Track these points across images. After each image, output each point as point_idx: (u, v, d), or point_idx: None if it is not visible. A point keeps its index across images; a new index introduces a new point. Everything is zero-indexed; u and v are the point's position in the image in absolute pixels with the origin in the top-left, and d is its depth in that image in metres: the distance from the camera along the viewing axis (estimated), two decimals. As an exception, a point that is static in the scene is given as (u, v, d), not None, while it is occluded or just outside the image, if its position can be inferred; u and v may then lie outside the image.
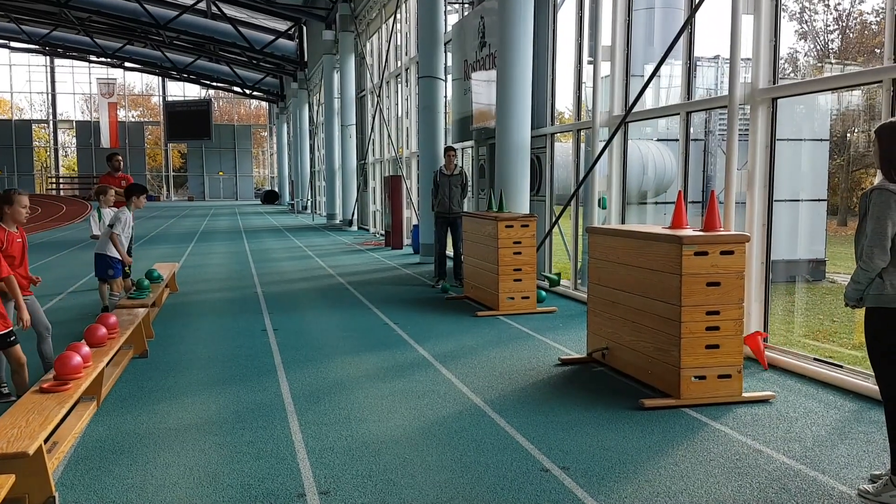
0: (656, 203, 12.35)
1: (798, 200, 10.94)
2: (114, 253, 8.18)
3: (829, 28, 20.92)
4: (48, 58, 53.72)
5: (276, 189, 50.13)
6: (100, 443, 4.40)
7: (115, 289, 8.27)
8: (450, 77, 14.31)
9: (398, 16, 17.95)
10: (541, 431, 4.53)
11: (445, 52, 14.07)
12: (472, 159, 13.43)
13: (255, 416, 4.84)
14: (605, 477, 3.84)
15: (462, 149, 14.55)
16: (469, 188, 10.72)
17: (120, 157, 10.58)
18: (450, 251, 11.20)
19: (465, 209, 10.73)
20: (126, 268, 8.70)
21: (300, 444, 4.33)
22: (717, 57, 13.05)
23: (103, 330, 5.37)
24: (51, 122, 58.19)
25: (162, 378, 5.82)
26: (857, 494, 3.59)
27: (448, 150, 10.70)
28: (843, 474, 3.84)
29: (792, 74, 18.63)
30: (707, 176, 12.70)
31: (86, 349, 4.79)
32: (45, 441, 3.70)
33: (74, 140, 58.24)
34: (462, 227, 10.02)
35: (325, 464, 4.03)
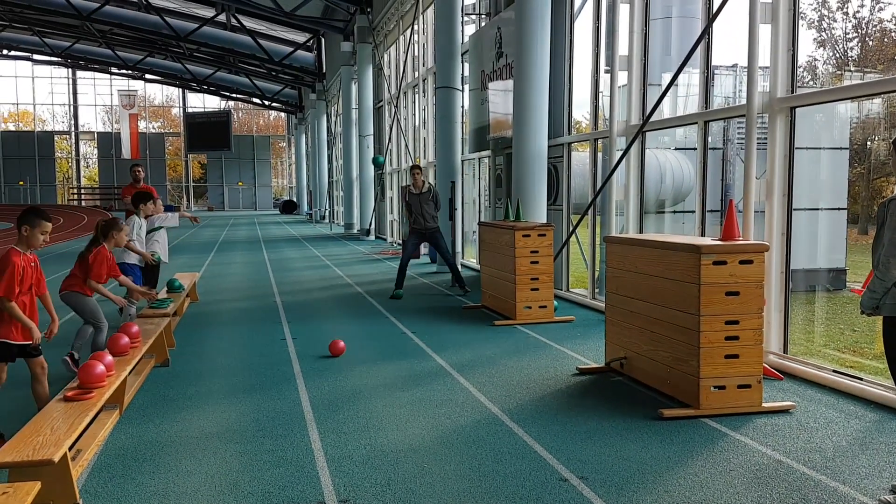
0: (674, 212, 12.31)
1: (818, 209, 10.86)
2: (131, 260, 8.25)
3: (848, 36, 20.77)
4: (70, 70, 54.53)
5: (295, 199, 50.48)
6: (122, 451, 4.46)
7: (133, 296, 8.34)
8: (467, 87, 14.37)
9: (415, 27, 18.07)
10: (559, 441, 4.53)
11: (462, 62, 14.13)
12: (489, 169, 13.46)
13: (274, 425, 4.89)
14: (624, 487, 3.83)
15: (479, 158, 14.60)
16: (440, 202, 10.97)
17: (141, 168, 10.70)
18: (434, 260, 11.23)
19: (485, 218, 10.74)
20: (151, 277, 8.81)
21: (319, 453, 4.36)
22: (735, 65, 13.00)
23: (126, 339, 5.44)
24: (73, 134, 58.98)
25: (183, 387, 5.88)
26: None
27: (414, 168, 10.90)
28: (864, 485, 3.81)
29: (811, 83, 18.51)
30: (726, 185, 12.63)
31: (109, 358, 4.85)
32: (70, 449, 3.75)
33: (96, 151, 58.98)
34: (442, 240, 10.83)
35: (345, 472, 4.06)
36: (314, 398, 5.51)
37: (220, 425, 4.90)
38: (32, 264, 4.77)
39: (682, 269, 5.15)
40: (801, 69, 16.55)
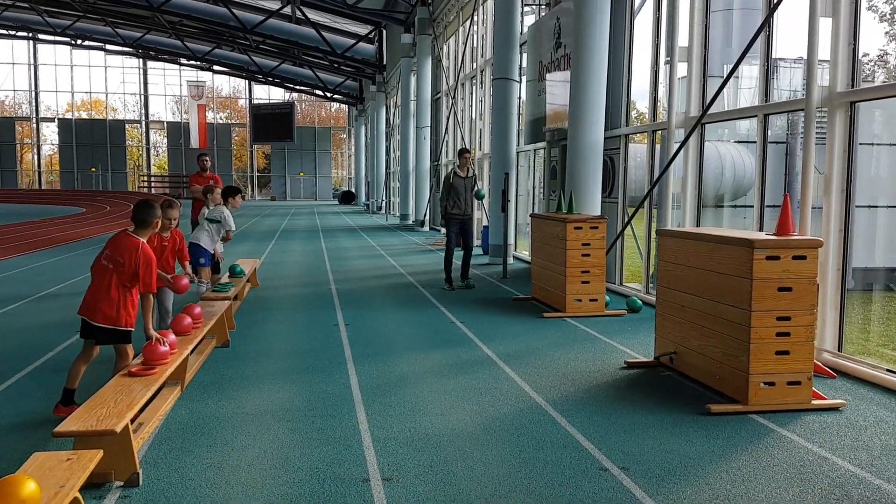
0: (734, 206, 12.08)
1: (876, 206, 10.50)
2: (206, 244, 8.56)
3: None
4: (141, 60, 56.26)
5: (353, 190, 51.13)
6: (182, 425, 4.69)
7: (203, 276, 8.62)
8: (524, 78, 14.36)
9: (475, 18, 18.10)
10: (602, 432, 4.57)
11: (521, 53, 14.13)
12: (545, 161, 13.44)
13: (325, 406, 5.06)
14: (665, 479, 3.86)
15: (534, 150, 14.58)
16: (479, 191, 10.59)
17: (207, 158, 11.04)
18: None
19: (539, 210, 10.73)
20: (217, 263, 9.11)
21: (366, 433, 4.51)
22: (800, 59, 12.66)
23: (188, 320, 5.70)
24: (143, 123, 60.93)
25: (241, 367, 6.12)
26: None
27: (463, 152, 10.49)
28: (913, 487, 3.75)
29: (883, 78, 17.83)
30: (789, 179, 12.34)
31: (172, 337, 5.10)
32: (132, 421, 3.97)
33: (165, 140, 60.85)
34: (472, 228, 10.49)
35: (389, 452, 4.19)
36: (363, 382, 5.66)
37: (273, 404, 5.10)
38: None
39: (734, 264, 5.11)
40: (872, 63, 15.97)
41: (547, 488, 3.73)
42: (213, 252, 8.66)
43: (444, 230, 11.47)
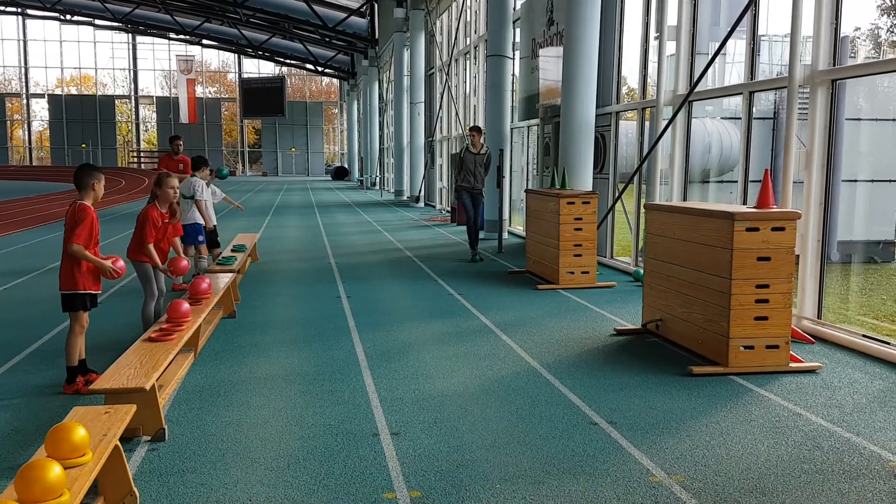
0: (720, 182, 12.40)
1: (856, 181, 10.83)
2: (198, 219, 8.78)
3: (913, 2, 20.09)
4: (130, 35, 55.91)
5: (346, 165, 51.21)
6: (199, 388, 5.00)
7: (202, 252, 8.86)
8: (517, 55, 14.56)
9: (468, -6, 18.20)
10: (592, 392, 4.90)
11: (515, 29, 14.30)
12: (538, 137, 13.69)
13: (333, 370, 5.37)
14: (649, 431, 4.20)
15: (528, 126, 14.82)
16: (490, 166, 11.26)
17: (181, 142, 10.67)
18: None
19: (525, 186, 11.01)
20: (215, 236, 9.33)
21: (374, 394, 4.83)
22: (788, 35, 12.89)
23: (206, 283, 6.05)
24: (132, 98, 60.64)
25: (249, 336, 6.42)
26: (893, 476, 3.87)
27: (474, 129, 11.09)
28: (876, 437, 4.10)
29: (874, 52, 18.08)
30: (775, 154, 12.64)
31: (185, 306, 5.38)
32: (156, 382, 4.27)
33: (155, 115, 60.65)
34: (482, 204, 11.16)
35: (396, 410, 4.52)
36: (368, 349, 5.98)
37: (284, 369, 5.41)
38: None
39: (716, 235, 5.43)
40: (864, 37, 16.20)
41: (541, 440, 4.06)
42: (207, 225, 8.81)
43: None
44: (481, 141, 11.09)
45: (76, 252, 4.80)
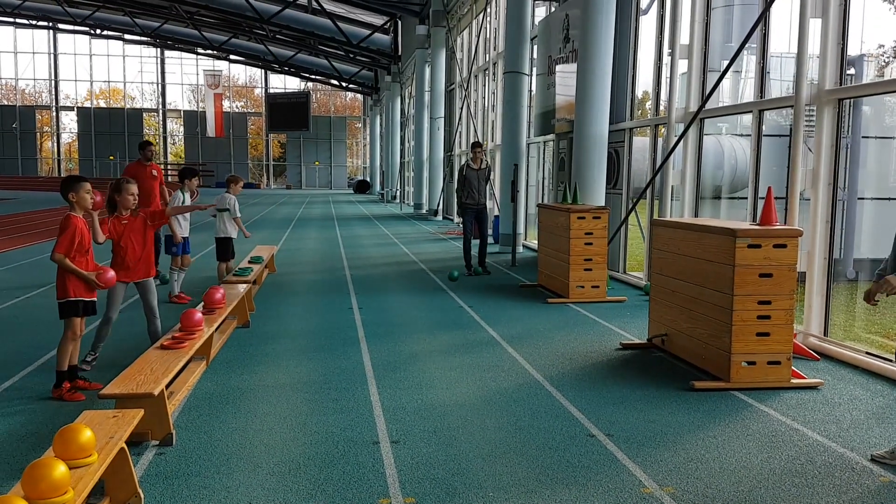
0: (731, 198, 12.40)
1: (863, 199, 10.77)
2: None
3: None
4: (159, 50, 56.94)
5: (368, 179, 51.62)
6: (209, 395, 5.14)
7: (175, 264, 8.74)
8: (534, 71, 14.70)
9: (488, 10, 18.42)
10: (593, 404, 4.97)
11: (532, 46, 14.45)
12: (553, 153, 13.79)
13: (339, 380, 5.49)
14: (645, 444, 4.26)
15: (544, 142, 14.93)
16: (492, 181, 11.34)
17: (153, 148, 9.99)
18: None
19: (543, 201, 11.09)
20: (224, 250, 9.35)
21: (377, 403, 4.94)
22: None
23: (221, 293, 6.20)
24: (160, 111, 61.66)
25: (261, 345, 6.57)
26: (869, 459, 3.93)
27: (475, 145, 11.18)
28: (870, 453, 4.12)
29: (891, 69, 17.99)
30: (790, 171, 12.61)
31: (199, 315, 5.54)
32: (165, 388, 4.41)
33: (182, 129, 61.58)
34: (487, 218, 11.28)
35: (398, 420, 4.62)
36: (375, 359, 6.10)
37: (292, 378, 5.54)
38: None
39: (718, 252, 5.49)
40: (884, 53, 16.14)
41: (539, 450, 4.14)
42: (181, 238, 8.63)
43: (457, 220, 11.93)
44: (482, 156, 11.18)
45: (57, 261, 5.03)
